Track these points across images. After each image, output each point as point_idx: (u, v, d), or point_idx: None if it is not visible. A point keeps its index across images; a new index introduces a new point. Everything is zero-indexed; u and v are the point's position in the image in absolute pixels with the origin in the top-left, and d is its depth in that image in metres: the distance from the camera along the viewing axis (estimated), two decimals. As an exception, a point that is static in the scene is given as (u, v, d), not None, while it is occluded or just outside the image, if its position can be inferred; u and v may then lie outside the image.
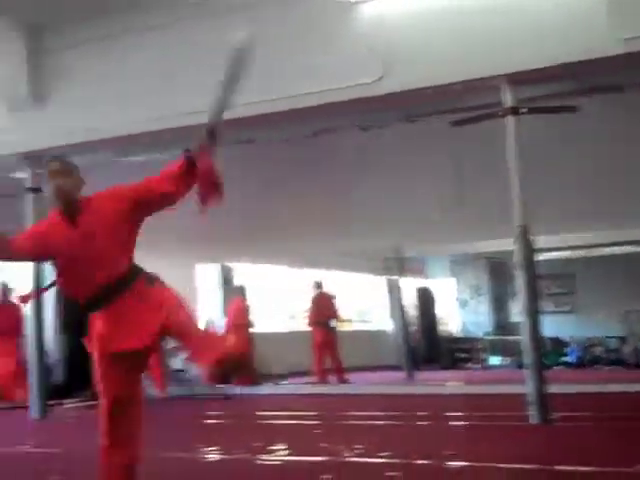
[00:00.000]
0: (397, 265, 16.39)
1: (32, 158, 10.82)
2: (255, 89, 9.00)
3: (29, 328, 10.92)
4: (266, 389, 14.19)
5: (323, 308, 15.07)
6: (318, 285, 15.36)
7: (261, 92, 9.01)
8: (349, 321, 19.00)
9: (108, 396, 4.43)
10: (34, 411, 10.59)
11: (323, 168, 13.10)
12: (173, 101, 9.65)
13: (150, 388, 13.53)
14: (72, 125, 10.21)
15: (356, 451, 6.69)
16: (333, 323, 15.19)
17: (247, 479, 5.80)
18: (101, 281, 4.33)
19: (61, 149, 10.78)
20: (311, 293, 15.58)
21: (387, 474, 5.72)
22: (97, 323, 4.46)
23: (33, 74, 10.33)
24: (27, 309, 11.18)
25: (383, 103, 9.03)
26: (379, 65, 8.56)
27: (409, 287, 19.39)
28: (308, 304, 15.55)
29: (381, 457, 6.40)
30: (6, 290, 13.54)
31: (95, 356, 4.50)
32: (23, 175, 11.11)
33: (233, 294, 15.55)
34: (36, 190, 10.83)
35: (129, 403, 4.50)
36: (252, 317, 15.22)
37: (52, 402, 11.16)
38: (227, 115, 8.48)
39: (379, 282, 19.51)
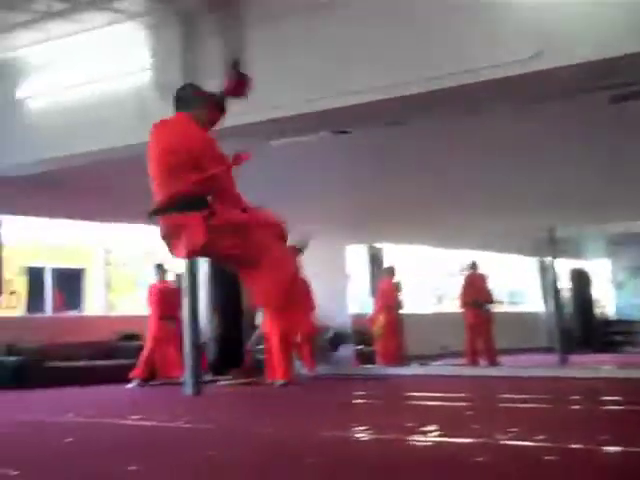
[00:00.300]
0: (550, 246, 15.97)
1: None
2: (406, 68, 9.01)
3: (184, 307, 11.20)
4: (415, 370, 14.13)
5: (476, 289, 14.79)
6: (472, 265, 15.07)
7: (411, 72, 8.96)
8: (500, 303, 18.68)
9: None
10: (188, 388, 10.87)
11: (473, 147, 12.91)
12: (312, 86, 9.66)
13: (300, 367, 13.73)
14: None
15: (510, 434, 6.55)
16: (487, 305, 14.91)
17: (401, 459, 5.74)
18: None
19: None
20: (463, 274, 15.37)
21: (544, 458, 5.56)
22: None
23: (187, 63, 10.52)
24: (183, 287, 11.45)
25: (540, 80, 8.76)
26: (536, 41, 8.30)
27: (563, 268, 18.89)
28: (460, 285, 15.35)
29: (536, 441, 6.23)
30: (162, 272, 13.94)
31: None
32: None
33: (382, 275, 15.53)
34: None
35: None
36: (401, 298, 15.17)
37: (206, 380, 11.41)
38: (377, 97, 8.51)
39: (530, 263, 19.12)
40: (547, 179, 12.52)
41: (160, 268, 13.92)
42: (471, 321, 14.45)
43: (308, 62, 9.90)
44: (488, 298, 15.08)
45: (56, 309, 14.64)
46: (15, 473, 5.35)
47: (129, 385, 12.56)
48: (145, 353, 13.03)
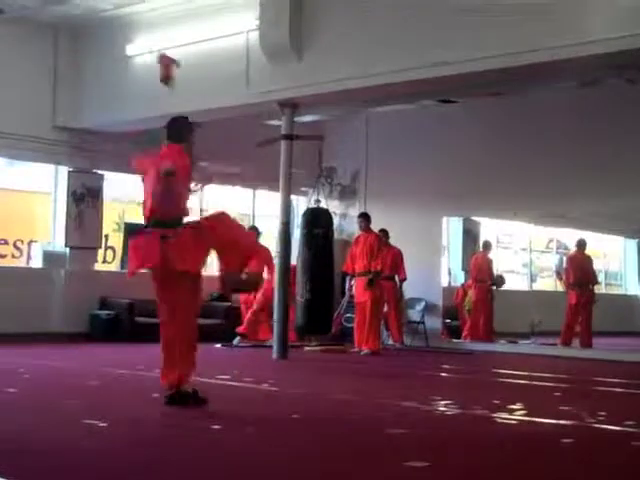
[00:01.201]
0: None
1: (288, 106, 11.07)
2: (517, 41, 8.81)
3: (277, 272, 11.26)
4: (505, 347, 13.96)
5: (582, 269, 14.38)
6: (580, 244, 14.65)
7: (518, 43, 8.77)
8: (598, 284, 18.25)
9: None
10: (275, 351, 10.95)
11: (581, 122, 12.62)
12: (428, 51, 9.53)
13: (387, 338, 13.70)
14: (326, 75, 10.33)
15: (599, 417, 6.41)
16: (591, 286, 14.49)
17: (485, 435, 5.68)
18: None
19: (315, 98, 11.01)
20: (568, 253, 15.04)
21: (633, 444, 5.43)
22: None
23: (294, 24, 10.49)
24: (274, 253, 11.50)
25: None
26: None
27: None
28: (563, 264, 15.02)
29: (626, 426, 6.09)
30: (258, 233, 13.99)
31: None
32: (279, 122, 11.40)
33: (477, 249, 15.34)
34: (290, 137, 11.11)
35: None
36: (495, 273, 14.98)
37: (292, 344, 11.47)
38: (481, 67, 8.31)
39: (629, 245, 18.64)
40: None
41: (254, 229, 13.99)
42: (574, 301, 14.09)
43: (403, 30, 9.78)
44: (593, 279, 14.71)
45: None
46: (103, 425, 5.47)
47: (218, 345, 12.72)
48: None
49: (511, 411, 6.67)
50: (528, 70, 9.38)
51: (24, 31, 12.71)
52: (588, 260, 14.77)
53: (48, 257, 13.10)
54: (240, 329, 13.08)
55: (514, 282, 17.25)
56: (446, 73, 9.53)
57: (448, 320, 14.92)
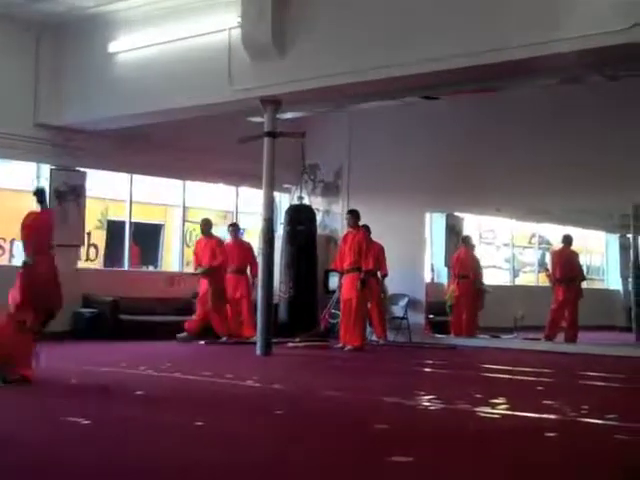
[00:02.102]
0: (634, 223, 15.60)
1: (270, 103, 11.07)
2: (500, 37, 8.85)
3: (260, 269, 11.26)
4: (488, 342, 14.01)
5: (569, 265, 14.41)
6: (566, 239, 14.66)
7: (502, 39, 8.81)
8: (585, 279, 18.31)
9: None
10: (259, 348, 10.95)
11: (565, 119, 12.67)
12: (411, 48, 9.55)
13: (370, 334, 13.72)
14: (309, 72, 10.34)
15: (582, 411, 6.45)
16: (577, 281, 14.52)
17: (467, 429, 5.70)
18: None
19: (298, 95, 11.02)
20: (553, 249, 15.07)
21: (616, 436, 5.47)
22: None
23: (276, 21, 10.48)
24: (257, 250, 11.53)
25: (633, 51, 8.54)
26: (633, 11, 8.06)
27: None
28: (550, 259, 15.07)
29: (608, 419, 6.13)
30: (237, 229, 14.04)
31: None
32: (261, 119, 11.40)
33: (459, 244, 15.37)
34: (273, 134, 11.11)
35: None
36: (478, 268, 15.01)
37: (276, 340, 11.47)
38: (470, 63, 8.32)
39: (611, 240, 18.69)
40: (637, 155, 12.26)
41: (234, 226, 14.01)
42: (560, 297, 14.13)
43: (387, 27, 9.80)
44: (580, 274, 14.74)
45: (132, 264, 14.82)
46: (86, 422, 5.47)
47: (201, 342, 12.71)
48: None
49: (494, 405, 6.70)
50: (510, 67, 9.42)
51: (5, 28, 12.62)
52: (574, 255, 14.82)
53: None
54: (187, 325, 13.05)
55: (497, 277, 17.31)
56: (430, 69, 9.54)
57: (431, 315, 14.95)
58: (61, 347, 11.64)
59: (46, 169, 13.41)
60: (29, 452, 4.55)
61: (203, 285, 13.15)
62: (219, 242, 13.37)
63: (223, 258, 13.11)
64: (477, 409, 6.48)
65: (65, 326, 12.82)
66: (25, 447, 4.68)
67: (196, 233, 16.09)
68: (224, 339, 12.91)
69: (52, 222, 8.40)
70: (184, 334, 12.91)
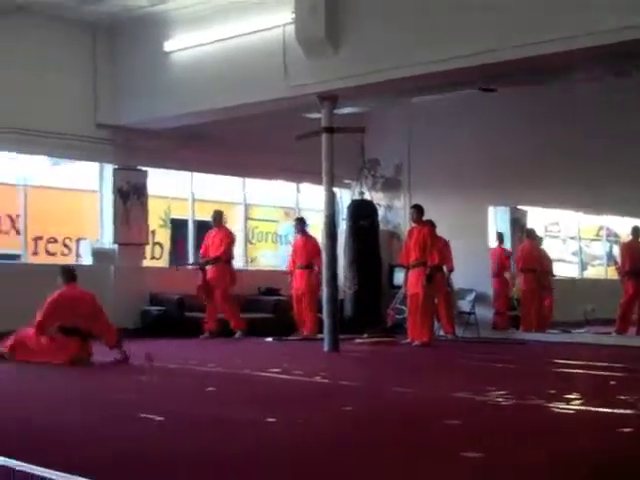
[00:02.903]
0: None
1: (327, 99, 11.02)
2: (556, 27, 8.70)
3: (324, 265, 11.22)
4: (559, 337, 13.79)
5: (638, 257, 14.05)
6: (635, 231, 14.33)
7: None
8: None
9: None
10: (326, 344, 10.90)
11: (630, 108, 12.41)
12: (466, 40, 9.43)
13: (438, 330, 13.60)
14: (365, 67, 10.26)
15: (658, 406, 6.29)
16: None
17: (542, 425, 5.59)
18: None
19: (354, 90, 10.95)
20: (623, 241, 14.78)
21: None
22: None
23: (329, 16, 10.42)
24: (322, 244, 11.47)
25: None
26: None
27: None
28: (618, 252, 14.78)
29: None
30: (303, 224, 13.90)
31: None
32: (318, 115, 11.35)
33: (523, 237, 15.16)
34: (330, 130, 11.05)
35: None
36: (544, 261, 14.79)
37: (343, 336, 11.41)
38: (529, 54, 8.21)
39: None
40: None
41: (300, 222, 13.94)
42: (630, 290, 13.83)
43: (443, 18, 9.70)
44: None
45: (175, 261, 14.85)
46: (160, 419, 5.47)
47: (269, 339, 12.71)
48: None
49: (567, 400, 6.56)
50: (569, 57, 9.27)
51: (63, 30, 12.77)
52: (641, 246, 14.49)
53: (97, 254, 13.18)
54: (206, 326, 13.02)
55: (565, 271, 17.04)
56: (489, 61, 9.42)
57: (500, 310, 14.78)
58: (130, 344, 11.75)
59: (108, 169, 13.54)
60: (116, 448, 4.55)
61: (213, 278, 13.13)
62: (228, 233, 13.33)
63: (225, 249, 13.08)
64: (550, 404, 6.35)
65: (133, 324, 12.95)
66: (110, 443, 4.68)
67: (258, 230, 16.15)
68: (238, 334, 12.83)
69: None
70: (206, 334, 12.90)
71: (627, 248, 14.37)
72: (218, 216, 13.50)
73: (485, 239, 14.76)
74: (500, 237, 15.10)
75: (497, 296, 14.65)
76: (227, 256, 13.27)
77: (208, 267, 13.19)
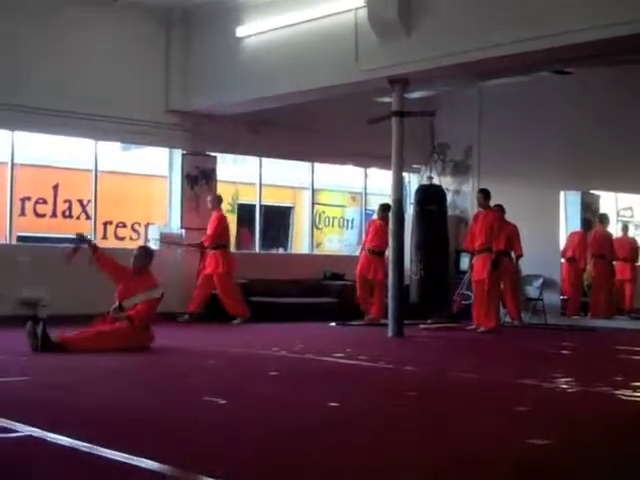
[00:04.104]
0: None
1: (398, 83, 10.95)
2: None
3: (391, 250, 11.17)
4: (629, 323, 13.55)
5: None
6: None
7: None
8: None
9: None
10: (390, 329, 10.87)
11: None
12: (540, 21, 9.26)
13: (504, 316, 13.47)
14: (437, 50, 10.15)
15: None
16: None
17: (608, 412, 5.50)
18: None
19: (426, 73, 10.86)
20: None
21: None
22: None
23: (402, 0, 10.33)
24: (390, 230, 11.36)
25: None
26: None
27: None
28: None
29: None
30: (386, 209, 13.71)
31: None
32: (389, 99, 11.29)
33: (596, 223, 14.91)
34: (401, 114, 10.98)
35: None
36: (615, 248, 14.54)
37: (408, 322, 11.36)
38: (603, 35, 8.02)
39: None
40: None
41: (385, 209, 13.62)
42: None
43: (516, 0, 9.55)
44: None
45: (241, 246, 14.88)
46: (223, 402, 5.52)
47: (332, 323, 12.71)
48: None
49: (635, 388, 6.45)
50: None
51: (136, 17, 12.91)
52: None
53: (165, 239, 13.31)
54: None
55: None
56: (560, 43, 9.24)
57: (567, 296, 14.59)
58: (196, 329, 11.89)
59: (178, 154, 13.66)
60: (187, 435, 4.57)
61: (210, 264, 12.92)
62: (219, 218, 13.00)
63: (211, 234, 12.85)
64: (617, 392, 6.25)
65: (200, 308, 13.06)
66: (180, 429, 4.72)
67: (325, 215, 16.16)
68: (238, 321, 12.67)
69: None
70: (186, 316, 12.74)
71: None
72: (214, 199, 13.17)
73: (556, 224, 14.55)
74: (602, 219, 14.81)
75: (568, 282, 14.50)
76: (215, 242, 12.88)
77: (208, 252, 12.96)
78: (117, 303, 8.68)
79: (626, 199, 16.23)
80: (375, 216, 13.86)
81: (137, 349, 8.37)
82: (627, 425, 5.09)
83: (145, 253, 9.20)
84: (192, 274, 13.02)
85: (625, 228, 15.35)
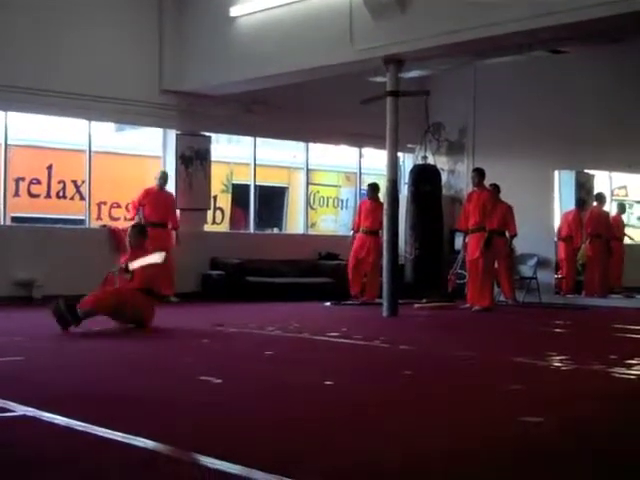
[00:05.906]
0: None
1: (393, 62, 10.91)
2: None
3: (385, 230, 11.17)
4: (622, 302, 13.61)
5: None
6: None
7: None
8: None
9: None
10: (385, 309, 10.90)
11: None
12: (533, 1, 9.24)
13: (498, 295, 13.50)
14: (432, 29, 10.12)
15: None
16: None
17: (603, 390, 5.52)
18: None
19: (421, 53, 10.83)
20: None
21: None
22: None
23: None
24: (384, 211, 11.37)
25: None
26: None
27: None
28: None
29: None
30: (374, 189, 13.67)
31: None
32: (383, 79, 11.26)
33: (591, 202, 14.92)
34: (396, 93, 10.96)
35: None
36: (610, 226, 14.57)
37: (402, 301, 11.39)
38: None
39: None
40: None
41: (371, 187, 13.61)
42: None
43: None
44: None
45: (235, 226, 14.88)
46: (218, 381, 5.53)
47: (327, 303, 12.73)
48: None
49: (629, 366, 6.48)
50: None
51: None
52: None
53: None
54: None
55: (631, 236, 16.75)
56: (557, 22, 9.21)
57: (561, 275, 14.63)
58: (191, 308, 11.90)
59: (172, 134, 13.63)
60: (183, 414, 4.59)
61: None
62: (145, 193, 12.91)
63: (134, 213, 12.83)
64: (611, 370, 6.28)
65: (194, 287, 13.08)
66: (175, 408, 4.74)
67: (320, 195, 16.14)
68: (173, 299, 12.47)
69: None
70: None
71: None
72: (162, 178, 13.05)
73: (551, 203, 14.56)
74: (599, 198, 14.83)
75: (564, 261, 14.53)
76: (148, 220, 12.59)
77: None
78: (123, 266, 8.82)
79: (620, 178, 16.23)
80: (366, 197, 13.87)
81: (138, 326, 8.62)
82: (622, 402, 5.11)
83: (138, 232, 9.25)
84: (185, 254, 12.94)
85: (622, 207, 15.32)
